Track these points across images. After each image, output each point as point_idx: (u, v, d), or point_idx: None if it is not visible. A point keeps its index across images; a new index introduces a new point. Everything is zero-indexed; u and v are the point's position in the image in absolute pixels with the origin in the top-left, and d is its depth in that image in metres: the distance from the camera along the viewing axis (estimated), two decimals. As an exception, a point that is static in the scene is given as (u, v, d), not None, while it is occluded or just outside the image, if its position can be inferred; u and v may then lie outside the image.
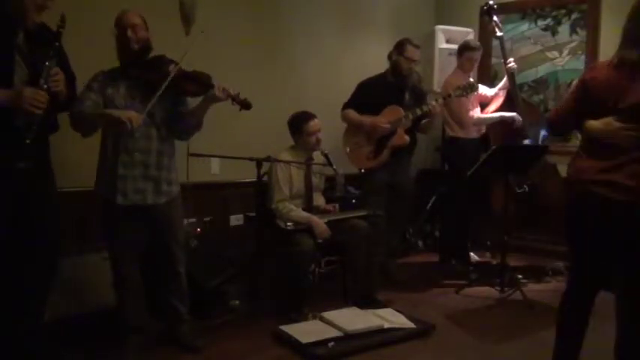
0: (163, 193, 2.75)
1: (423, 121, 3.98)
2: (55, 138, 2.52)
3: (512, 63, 4.21)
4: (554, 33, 4.90)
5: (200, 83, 2.72)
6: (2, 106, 2.18)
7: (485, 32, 5.01)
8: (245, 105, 2.80)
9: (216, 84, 2.70)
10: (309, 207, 3.61)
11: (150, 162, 2.70)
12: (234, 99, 2.76)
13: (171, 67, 2.65)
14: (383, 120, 3.86)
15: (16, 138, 2.21)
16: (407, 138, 3.90)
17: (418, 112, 3.83)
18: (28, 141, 2.20)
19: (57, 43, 2.28)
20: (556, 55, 4.89)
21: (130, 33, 2.63)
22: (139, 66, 2.68)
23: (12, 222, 2.32)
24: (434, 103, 3.85)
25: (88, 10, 3.17)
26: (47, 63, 2.24)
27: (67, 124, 2.59)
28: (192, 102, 2.83)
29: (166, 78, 2.59)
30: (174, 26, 3.58)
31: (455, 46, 4.53)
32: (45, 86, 2.22)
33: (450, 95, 3.89)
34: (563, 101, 2.43)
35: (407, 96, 4.00)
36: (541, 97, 4.99)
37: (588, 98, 2.21)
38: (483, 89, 4.41)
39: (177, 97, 2.77)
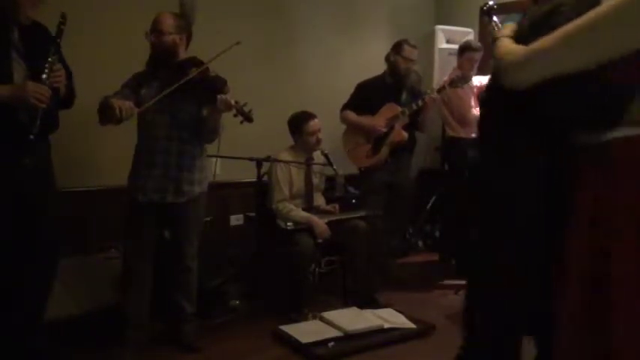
0: (184, 193, 2.80)
1: (420, 117, 3.99)
2: (56, 138, 2.53)
3: None
4: (554, 33, 4.89)
5: (208, 91, 2.74)
6: (6, 101, 2.19)
7: (485, 32, 5.01)
8: (248, 118, 2.80)
9: (221, 96, 2.72)
10: (309, 207, 3.62)
11: (171, 163, 2.75)
12: (238, 110, 2.77)
13: (192, 71, 2.68)
14: (380, 123, 3.87)
15: (21, 134, 2.23)
16: (405, 134, 3.91)
17: (414, 106, 3.85)
18: (32, 136, 2.21)
19: (58, 40, 2.30)
20: (556, 55, 4.88)
21: (153, 38, 2.73)
22: (166, 68, 2.74)
23: (13, 221, 2.33)
24: (429, 94, 3.86)
25: (88, 9, 3.17)
26: (50, 59, 2.26)
27: (68, 123, 2.59)
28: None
29: (182, 79, 2.63)
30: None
31: (455, 46, 4.53)
32: (47, 81, 2.24)
33: (444, 87, 3.89)
34: None
35: (404, 96, 4.01)
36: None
37: None
38: (480, 79, 4.39)
39: (198, 101, 2.79)
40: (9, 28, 2.28)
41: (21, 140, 2.24)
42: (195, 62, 2.74)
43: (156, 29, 2.73)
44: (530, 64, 1.39)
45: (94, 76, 2.75)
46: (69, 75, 2.49)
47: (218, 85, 2.75)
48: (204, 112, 2.82)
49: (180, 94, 2.66)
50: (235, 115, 2.78)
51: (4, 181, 2.29)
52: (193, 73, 2.66)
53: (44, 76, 2.24)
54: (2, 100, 2.18)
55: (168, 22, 2.74)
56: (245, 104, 2.77)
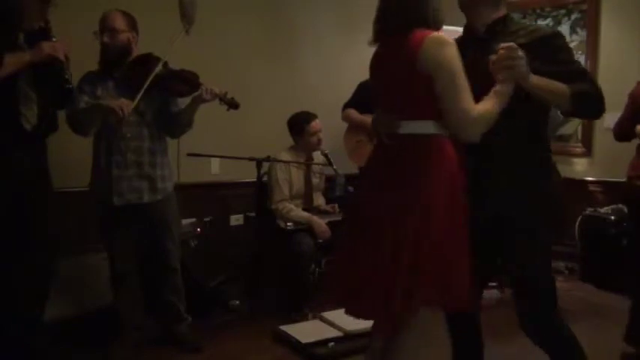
0: (159, 191, 2.77)
1: None
2: (55, 138, 2.52)
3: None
4: (554, 33, 4.90)
5: (187, 83, 2.74)
6: (28, 65, 2.25)
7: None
8: (232, 105, 2.82)
9: (203, 86, 2.72)
10: (309, 207, 3.61)
11: (143, 161, 2.72)
12: (222, 99, 2.79)
13: (159, 68, 2.66)
14: None
15: (21, 134, 2.26)
16: None
17: None
18: (69, 86, 2.34)
19: (51, 34, 2.35)
20: (556, 55, 4.88)
21: (105, 38, 2.66)
22: (123, 67, 2.70)
23: (9, 221, 2.32)
24: None
25: (84, 9, 3.16)
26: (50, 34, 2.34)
27: (62, 125, 2.59)
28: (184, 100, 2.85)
29: (149, 75, 2.60)
30: (173, 25, 3.58)
31: (455, 46, 4.52)
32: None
33: None
34: (622, 114, 2.89)
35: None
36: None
37: (637, 109, 2.73)
38: None
39: (166, 96, 2.78)
40: (15, 32, 2.29)
41: (21, 141, 2.26)
42: (154, 58, 2.70)
43: (108, 28, 2.66)
44: None
45: (81, 75, 2.72)
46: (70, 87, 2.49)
47: (193, 76, 2.75)
48: (173, 106, 2.81)
49: (150, 91, 2.63)
50: (221, 103, 2.80)
51: (2, 181, 2.28)
52: (159, 68, 2.64)
53: (54, 39, 2.32)
54: (24, 65, 2.24)
55: (121, 20, 2.68)
56: (227, 92, 2.78)
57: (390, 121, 1.76)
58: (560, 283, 4.09)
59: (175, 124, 2.81)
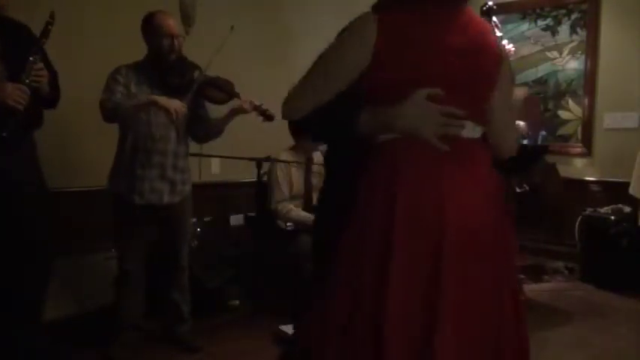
0: (178, 193, 2.78)
1: None
2: (55, 138, 2.52)
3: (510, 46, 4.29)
4: (554, 33, 4.90)
5: (224, 91, 2.76)
6: None
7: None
8: (269, 117, 2.86)
9: (244, 98, 2.77)
10: (308, 207, 3.61)
11: (167, 163, 2.73)
12: (260, 111, 2.84)
13: (196, 74, 2.67)
14: None
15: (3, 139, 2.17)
16: None
17: None
18: (4, 134, 2.16)
19: (44, 40, 2.24)
20: (556, 55, 4.89)
21: (176, 43, 2.66)
22: (168, 72, 2.69)
23: (7, 223, 2.30)
24: None
25: (77, 8, 3.16)
26: (31, 58, 2.20)
27: (63, 125, 2.58)
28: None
29: (192, 85, 2.63)
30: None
31: (455, 46, 4.53)
32: (27, 81, 2.19)
33: None
34: None
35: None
36: (541, 96, 4.99)
37: None
38: None
39: (199, 102, 2.79)
40: None
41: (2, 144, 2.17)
42: (190, 64, 2.72)
43: (175, 33, 2.66)
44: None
45: (82, 74, 2.72)
46: (54, 74, 2.41)
47: (229, 84, 2.78)
48: (203, 112, 2.82)
49: (184, 95, 2.63)
50: (257, 115, 2.85)
51: None
52: (197, 74, 2.66)
53: (23, 75, 2.18)
54: None
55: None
56: (262, 104, 2.83)
57: (453, 120, 1.39)
58: (560, 283, 4.11)
59: (205, 130, 2.84)
